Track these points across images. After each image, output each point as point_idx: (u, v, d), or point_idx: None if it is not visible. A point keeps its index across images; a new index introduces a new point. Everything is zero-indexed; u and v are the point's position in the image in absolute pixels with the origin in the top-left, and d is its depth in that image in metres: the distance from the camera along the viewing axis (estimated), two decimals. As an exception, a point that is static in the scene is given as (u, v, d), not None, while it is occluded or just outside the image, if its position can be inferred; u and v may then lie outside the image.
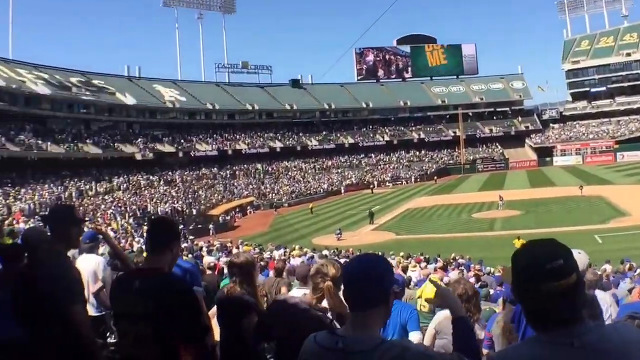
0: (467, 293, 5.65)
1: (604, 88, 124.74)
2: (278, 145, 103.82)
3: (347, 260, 16.05)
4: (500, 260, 23.96)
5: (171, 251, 3.83)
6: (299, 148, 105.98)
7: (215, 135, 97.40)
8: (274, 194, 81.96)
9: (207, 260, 17.12)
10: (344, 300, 2.93)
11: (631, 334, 2.16)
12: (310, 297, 4.12)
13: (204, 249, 28.58)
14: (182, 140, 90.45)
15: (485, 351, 5.38)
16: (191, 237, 42.47)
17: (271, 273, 10.43)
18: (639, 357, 2.10)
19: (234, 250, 27.08)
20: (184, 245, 29.95)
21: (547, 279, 2.04)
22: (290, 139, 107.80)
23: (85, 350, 3.95)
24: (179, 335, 3.47)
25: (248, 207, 72.52)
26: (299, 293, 4.72)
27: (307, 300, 4.09)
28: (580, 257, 4.37)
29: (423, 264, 20.61)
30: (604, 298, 6.23)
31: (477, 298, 5.95)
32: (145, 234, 3.78)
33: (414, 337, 5.82)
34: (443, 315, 5.73)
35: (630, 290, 9.49)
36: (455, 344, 2.84)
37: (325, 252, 28.75)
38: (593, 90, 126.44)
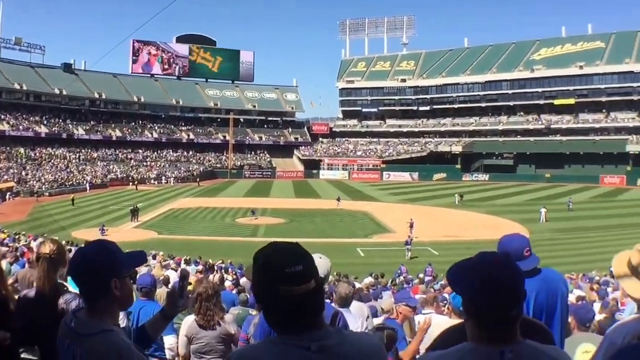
0: (207, 292, 5.83)
1: (375, 109, 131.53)
2: (43, 130, 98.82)
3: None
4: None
5: None
6: (64, 136, 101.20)
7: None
8: (35, 181, 79.01)
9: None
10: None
11: (370, 340, 2.26)
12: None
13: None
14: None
15: None
16: (-56, 221, 41.52)
17: (27, 264, 10.06)
18: None
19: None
20: None
21: (285, 283, 2.02)
22: (57, 126, 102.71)
23: None
24: None
25: (7, 193, 69.67)
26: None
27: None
28: (322, 262, 4.45)
29: (183, 265, 21.30)
30: (360, 309, 6.59)
31: (218, 298, 6.05)
32: None
33: (168, 340, 5.85)
34: (191, 320, 5.91)
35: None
36: None
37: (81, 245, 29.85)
38: (365, 110, 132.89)
